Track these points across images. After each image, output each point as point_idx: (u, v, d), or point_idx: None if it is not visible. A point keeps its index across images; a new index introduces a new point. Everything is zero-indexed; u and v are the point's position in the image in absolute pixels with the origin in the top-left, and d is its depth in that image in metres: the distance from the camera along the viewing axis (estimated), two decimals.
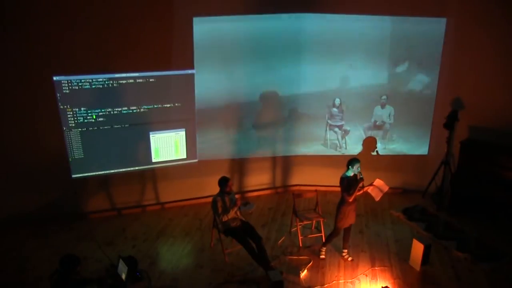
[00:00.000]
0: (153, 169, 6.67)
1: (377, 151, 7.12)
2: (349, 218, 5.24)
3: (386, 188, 5.15)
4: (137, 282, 4.59)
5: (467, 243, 5.75)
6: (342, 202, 5.15)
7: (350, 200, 5.07)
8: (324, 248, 5.51)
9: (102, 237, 5.97)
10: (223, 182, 5.28)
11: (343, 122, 7.08)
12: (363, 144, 7.12)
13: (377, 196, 5.17)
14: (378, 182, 5.17)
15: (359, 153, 7.12)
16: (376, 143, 7.08)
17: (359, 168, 5.03)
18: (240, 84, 6.60)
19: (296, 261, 5.46)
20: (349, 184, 5.05)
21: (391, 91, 6.87)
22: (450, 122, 6.50)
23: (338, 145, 7.18)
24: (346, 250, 5.50)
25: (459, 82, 6.61)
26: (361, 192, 5.14)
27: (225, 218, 5.18)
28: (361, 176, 5.07)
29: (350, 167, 5.04)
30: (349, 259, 5.46)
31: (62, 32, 5.56)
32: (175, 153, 6.69)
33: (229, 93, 6.61)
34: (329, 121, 7.07)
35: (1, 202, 6.02)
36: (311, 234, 5.95)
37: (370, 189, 5.18)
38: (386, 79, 6.81)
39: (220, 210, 5.21)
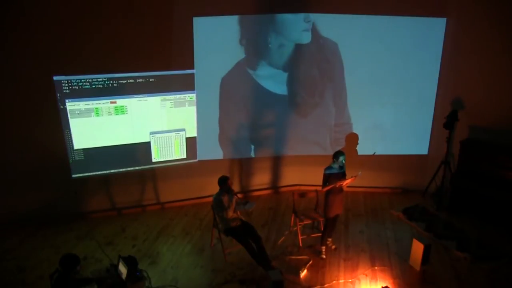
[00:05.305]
0: (153, 169, 6.67)
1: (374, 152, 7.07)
2: (335, 207, 5.40)
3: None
4: (137, 282, 4.58)
5: (467, 243, 5.75)
6: (327, 193, 5.38)
7: (322, 191, 5.36)
8: (324, 247, 5.53)
9: (102, 237, 5.97)
10: (223, 180, 5.28)
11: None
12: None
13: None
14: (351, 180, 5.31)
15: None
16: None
17: (343, 161, 5.27)
18: (240, 84, 6.60)
19: (296, 261, 5.46)
20: (325, 178, 5.32)
21: (391, 91, 6.86)
22: (450, 122, 6.49)
23: (338, 145, 7.17)
24: (330, 239, 5.67)
25: (459, 82, 6.60)
26: (345, 183, 5.29)
27: (230, 214, 5.18)
28: (342, 171, 5.33)
29: (334, 159, 5.31)
30: (333, 247, 5.64)
31: (62, 32, 5.56)
32: (175, 153, 6.69)
33: (229, 93, 6.61)
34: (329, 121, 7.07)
35: (1, 202, 6.02)
36: (311, 234, 5.95)
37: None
38: (386, 79, 6.80)
39: (226, 204, 5.21)
